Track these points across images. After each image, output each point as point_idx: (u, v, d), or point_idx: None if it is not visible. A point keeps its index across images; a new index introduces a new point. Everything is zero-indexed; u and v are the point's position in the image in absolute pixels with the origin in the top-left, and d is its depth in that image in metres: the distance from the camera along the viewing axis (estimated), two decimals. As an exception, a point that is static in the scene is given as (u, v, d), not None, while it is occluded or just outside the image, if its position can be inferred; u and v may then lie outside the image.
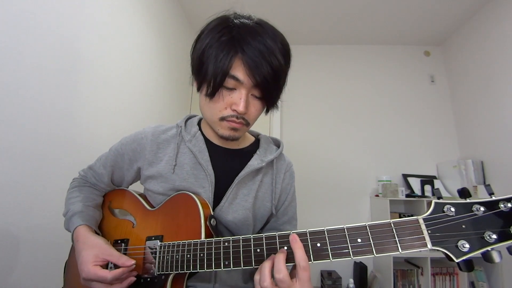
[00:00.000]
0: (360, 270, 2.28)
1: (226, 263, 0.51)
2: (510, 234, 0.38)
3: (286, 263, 0.46)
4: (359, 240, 0.44)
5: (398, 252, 0.41)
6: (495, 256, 0.38)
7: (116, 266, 0.59)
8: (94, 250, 0.60)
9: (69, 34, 1.19)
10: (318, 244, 0.46)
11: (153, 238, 0.63)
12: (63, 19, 1.16)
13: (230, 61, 0.56)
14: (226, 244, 0.52)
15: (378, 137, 2.72)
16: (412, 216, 0.43)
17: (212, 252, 0.53)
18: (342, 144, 2.74)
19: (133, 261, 0.59)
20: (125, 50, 1.65)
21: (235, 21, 0.59)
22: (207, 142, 0.72)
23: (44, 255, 1.06)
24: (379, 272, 2.26)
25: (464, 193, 0.42)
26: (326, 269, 2.39)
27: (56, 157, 1.13)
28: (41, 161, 1.07)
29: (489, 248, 0.38)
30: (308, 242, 0.47)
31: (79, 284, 0.60)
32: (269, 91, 0.60)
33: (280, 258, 0.46)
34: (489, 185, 0.42)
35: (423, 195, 2.34)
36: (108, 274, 0.56)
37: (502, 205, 0.39)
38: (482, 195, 2.11)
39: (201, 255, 0.53)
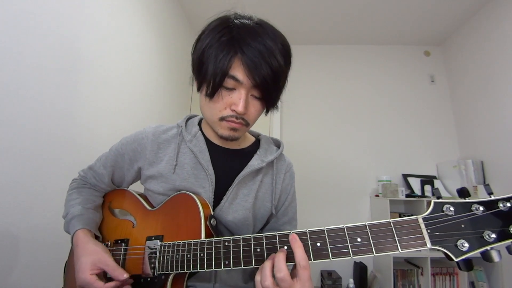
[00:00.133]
0: (360, 270, 2.28)
1: (226, 262, 0.51)
2: (509, 233, 0.38)
3: (286, 262, 0.46)
4: (358, 239, 0.44)
5: (398, 252, 0.41)
6: (494, 256, 0.38)
7: None
8: (92, 257, 0.60)
9: (69, 34, 1.19)
10: (318, 244, 0.46)
11: (153, 238, 0.63)
12: (63, 19, 1.16)
13: (229, 61, 0.56)
14: (226, 243, 0.52)
15: (378, 137, 2.72)
16: (412, 216, 0.43)
17: (212, 252, 0.53)
18: (342, 144, 2.74)
19: (127, 275, 0.59)
20: (125, 50, 1.65)
21: (235, 21, 0.59)
22: (208, 142, 0.72)
23: (44, 255, 1.06)
24: (379, 272, 2.26)
25: (463, 192, 0.42)
26: (326, 269, 2.39)
27: (56, 157, 1.13)
28: (41, 161, 1.07)
29: (488, 248, 0.38)
30: (308, 241, 0.47)
31: (79, 284, 0.60)
32: (268, 91, 0.60)
33: (280, 257, 0.46)
34: (488, 184, 0.43)
35: (423, 195, 2.34)
36: (103, 286, 0.57)
37: (501, 205, 0.39)
38: (482, 195, 2.11)
39: (201, 254, 0.53)
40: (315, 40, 2.95)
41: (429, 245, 0.40)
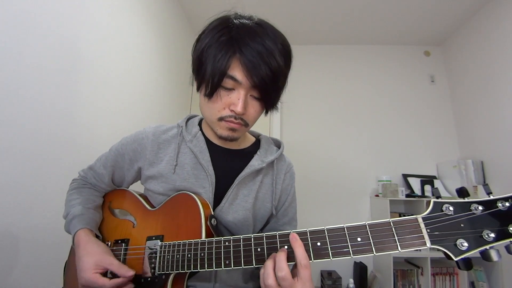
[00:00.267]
0: (360, 270, 2.28)
1: (227, 262, 0.51)
2: (508, 232, 0.38)
3: (287, 262, 0.46)
4: (359, 239, 0.44)
5: (398, 251, 0.42)
6: (494, 255, 0.38)
7: (115, 274, 0.60)
8: (94, 257, 0.60)
9: (69, 34, 1.19)
10: (318, 243, 0.46)
11: (154, 238, 0.63)
12: (63, 19, 1.16)
13: (228, 61, 0.56)
14: (226, 243, 0.52)
15: (378, 137, 2.72)
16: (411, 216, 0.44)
17: (212, 252, 0.53)
18: (342, 144, 2.74)
19: (133, 272, 0.59)
20: (125, 50, 1.65)
21: (235, 21, 0.59)
22: (208, 142, 0.72)
23: (44, 255, 1.06)
24: (379, 272, 2.26)
25: (462, 192, 0.42)
26: (326, 269, 2.39)
27: (56, 157, 1.13)
28: (41, 161, 1.07)
29: (487, 247, 0.39)
30: (308, 241, 0.47)
31: (78, 284, 0.60)
32: (267, 92, 0.60)
33: (282, 256, 0.46)
34: (487, 184, 0.43)
35: (423, 195, 2.34)
36: (108, 283, 0.57)
37: (500, 204, 0.39)
38: (482, 195, 2.08)
39: (202, 254, 0.54)
40: (315, 40, 2.95)
41: (428, 244, 0.40)
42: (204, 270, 0.53)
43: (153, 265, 0.60)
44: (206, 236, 0.57)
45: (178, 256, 0.56)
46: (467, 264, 0.40)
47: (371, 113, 2.79)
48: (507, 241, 0.38)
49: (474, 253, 0.39)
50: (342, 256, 0.45)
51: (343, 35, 2.86)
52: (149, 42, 1.96)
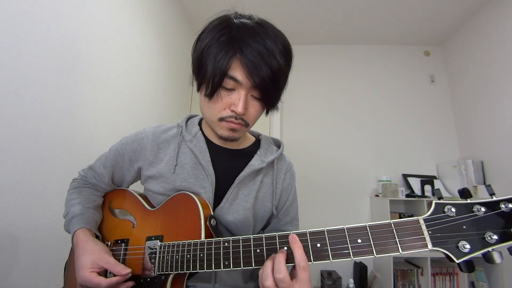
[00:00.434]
0: (360, 270, 2.28)
1: (226, 263, 0.51)
2: (511, 234, 0.38)
3: (287, 263, 0.46)
4: (359, 240, 0.44)
5: (399, 253, 0.41)
6: (496, 257, 0.37)
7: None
8: (92, 256, 0.60)
9: (69, 34, 1.19)
10: (318, 245, 0.46)
11: (153, 238, 0.63)
12: (63, 19, 1.16)
13: (228, 61, 0.56)
14: (226, 244, 0.52)
15: (378, 137, 2.72)
16: (412, 216, 0.43)
17: (212, 252, 0.53)
18: (342, 144, 2.74)
19: (129, 270, 0.59)
20: (125, 50, 1.64)
21: (235, 21, 0.59)
22: (208, 142, 0.72)
23: (44, 255, 1.06)
24: (379, 272, 2.26)
25: (464, 193, 0.42)
26: (326, 269, 2.39)
27: (56, 157, 1.13)
28: (41, 161, 1.06)
29: (490, 249, 0.38)
30: (308, 242, 0.47)
31: (79, 284, 0.60)
32: (268, 92, 0.60)
33: (280, 258, 0.46)
34: (489, 185, 0.42)
35: (423, 195, 2.34)
36: (103, 281, 0.56)
37: (503, 206, 0.39)
38: (482, 195, 2.11)
39: (201, 255, 0.53)
40: (315, 40, 2.95)
41: (430, 246, 0.40)
42: (203, 270, 0.53)
43: (152, 266, 0.60)
44: (206, 237, 0.57)
45: (177, 256, 0.56)
46: (469, 266, 0.39)
47: (371, 113, 2.78)
48: (510, 243, 0.38)
49: (476, 255, 0.39)
50: (342, 258, 0.44)
51: (343, 35, 2.85)
52: (149, 42, 1.95)
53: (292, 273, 0.46)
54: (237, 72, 0.56)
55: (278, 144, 0.80)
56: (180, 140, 0.70)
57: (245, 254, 0.50)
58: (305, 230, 0.48)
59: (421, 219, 0.42)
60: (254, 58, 0.55)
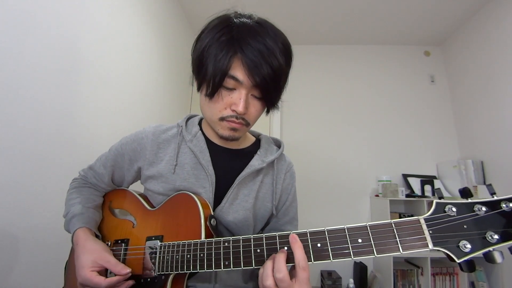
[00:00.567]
0: (360, 270, 2.28)
1: (226, 263, 0.51)
2: (512, 234, 0.38)
3: (287, 263, 0.46)
4: (359, 240, 0.44)
5: (399, 253, 0.41)
6: (497, 257, 0.37)
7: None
8: (92, 256, 0.60)
9: (69, 34, 1.19)
10: (319, 245, 0.46)
11: (153, 238, 0.63)
12: (63, 19, 1.16)
13: (229, 61, 0.56)
14: (226, 244, 0.52)
15: (378, 137, 2.72)
16: (412, 216, 0.43)
17: (212, 252, 0.53)
18: (342, 144, 2.74)
19: (129, 270, 0.59)
20: (125, 50, 1.64)
21: (235, 20, 0.59)
22: (208, 142, 0.72)
23: (44, 255, 1.06)
24: (379, 272, 2.26)
25: (465, 193, 0.42)
26: (326, 269, 2.39)
27: (56, 157, 1.13)
28: (41, 161, 1.06)
29: (491, 249, 0.38)
30: (308, 242, 0.47)
31: (79, 284, 0.60)
32: (269, 91, 0.60)
33: (281, 258, 0.46)
34: (490, 185, 0.42)
35: (423, 195, 2.34)
36: (103, 281, 0.56)
37: (504, 205, 0.39)
38: (482, 195, 2.11)
39: (201, 255, 0.53)
40: (315, 40, 2.95)
41: (431, 246, 0.40)
42: (203, 271, 0.53)
43: (152, 266, 0.60)
44: (206, 237, 0.57)
45: (177, 256, 0.56)
46: (470, 266, 0.39)
47: (371, 113, 2.78)
48: (510, 242, 0.37)
49: (477, 255, 0.39)
50: (342, 258, 0.44)
51: (343, 35, 2.85)
52: (149, 42, 1.95)
53: (292, 273, 0.46)
54: (238, 71, 0.56)
55: (278, 144, 0.80)
56: (180, 140, 0.70)
57: (245, 254, 0.50)
58: (306, 230, 0.48)
59: (421, 218, 0.42)
60: (255, 58, 0.55)
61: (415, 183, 2.46)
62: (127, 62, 1.67)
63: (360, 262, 2.34)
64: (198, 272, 0.58)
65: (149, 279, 0.60)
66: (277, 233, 0.50)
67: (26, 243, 1.00)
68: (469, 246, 0.39)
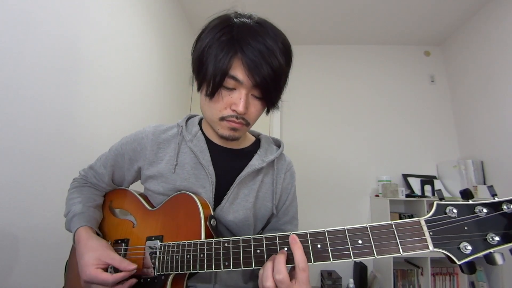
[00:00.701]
0: (360, 270, 2.28)
1: (226, 263, 0.51)
2: (513, 235, 0.37)
3: (287, 264, 0.46)
4: (360, 241, 0.43)
5: (400, 254, 0.41)
6: (498, 258, 0.37)
7: (116, 269, 0.59)
8: (96, 253, 0.60)
9: (69, 34, 1.19)
10: (319, 246, 0.46)
11: (153, 238, 0.63)
12: (63, 19, 1.15)
13: (229, 61, 0.56)
14: (226, 244, 0.52)
15: (378, 137, 2.72)
16: (412, 216, 0.43)
17: (212, 253, 0.53)
18: (342, 144, 2.74)
19: (135, 266, 0.59)
20: (125, 50, 1.64)
21: (235, 20, 0.59)
22: (208, 142, 0.72)
23: (44, 255, 1.06)
24: (379, 272, 2.26)
25: (466, 194, 0.41)
26: (326, 269, 2.39)
27: (56, 157, 1.13)
28: (41, 161, 1.06)
29: (491, 250, 0.38)
30: (308, 243, 0.46)
31: (80, 284, 0.60)
32: (269, 91, 0.60)
33: (281, 259, 0.46)
34: (491, 186, 0.42)
35: (423, 195, 2.34)
36: (110, 277, 0.56)
37: (505, 207, 0.38)
38: (482, 195, 2.11)
39: (201, 255, 0.53)
40: (315, 40, 2.95)
41: (431, 247, 0.40)
42: (203, 271, 0.53)
43: (152, 266, 0.60)
44: (206, 237, 0.57)
45: (177, 256, 0.56)
46: (471, 267, 0.39)
47: (371, 113, 2.78)
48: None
49: (478, 256, 0.39)
50: (342, 259, 0.44)
51: (343, 35, 2.85)
52: (149, 42, 1.95)
53: (292, 274, 0.46)
54: (238, 71, 0.56)
55: (278, 144, 0.80)
56: (180, 140, 0.70)
57: (245, 255, 0.50)
58: (306, 231, 0.48)
59: (422, 220, 0.42)
60: (255, 57, 0.55)
61: (415, 183, 2.46)
62: (127, 62, 1.67)
63: (360, 262, 2.34)
64: (198, 272, 0.58)
65: (149, 279, 0.60)
66: (277, 234, 0.49)
67: (26, 243, 1.00)
68: (469, 247, 0.39)
